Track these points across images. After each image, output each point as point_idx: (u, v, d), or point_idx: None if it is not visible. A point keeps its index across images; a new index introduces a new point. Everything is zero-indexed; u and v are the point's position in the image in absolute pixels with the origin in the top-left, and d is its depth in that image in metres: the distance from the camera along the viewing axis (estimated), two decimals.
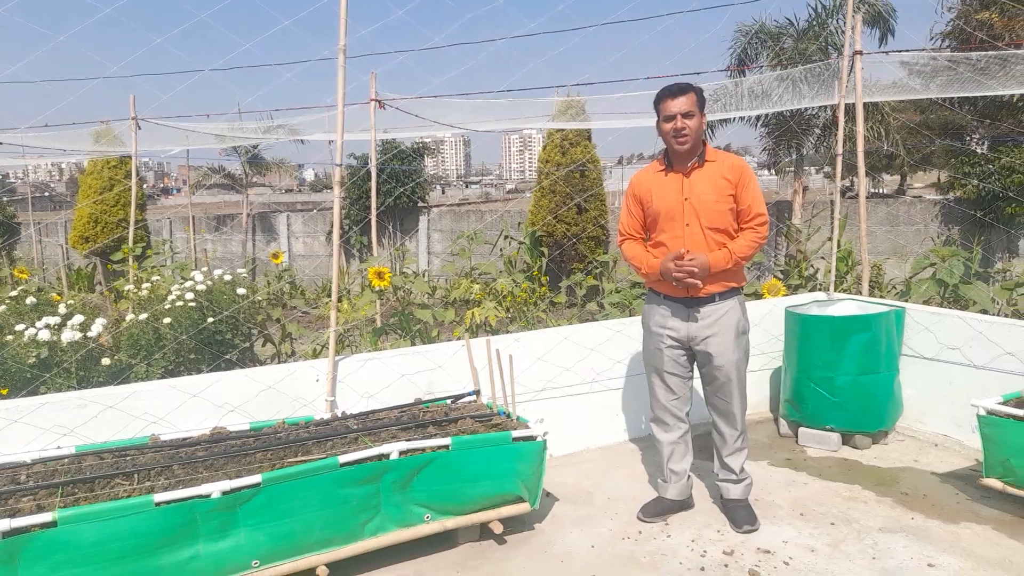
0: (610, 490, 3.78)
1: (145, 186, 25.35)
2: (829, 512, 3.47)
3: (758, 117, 12.84)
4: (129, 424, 3.30)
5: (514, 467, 3.17)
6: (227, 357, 4.80)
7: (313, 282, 15.69)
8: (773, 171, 16.54)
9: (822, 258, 10.30)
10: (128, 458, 2.99)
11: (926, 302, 5.65)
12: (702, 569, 2.98)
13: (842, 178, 5.59)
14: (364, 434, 3.23)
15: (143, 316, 4.73)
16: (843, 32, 10.38)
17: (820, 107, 11.70)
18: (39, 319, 4.31)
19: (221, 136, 11.17)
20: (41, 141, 10.93)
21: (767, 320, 4.80)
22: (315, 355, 5.73)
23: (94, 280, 14.89)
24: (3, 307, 5.10)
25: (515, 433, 3.19)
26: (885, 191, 28.16)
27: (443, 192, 46.43)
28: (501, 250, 12.91)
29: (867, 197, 7.80)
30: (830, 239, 5.82)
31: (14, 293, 5.58)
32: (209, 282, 5.18)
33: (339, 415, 3.54)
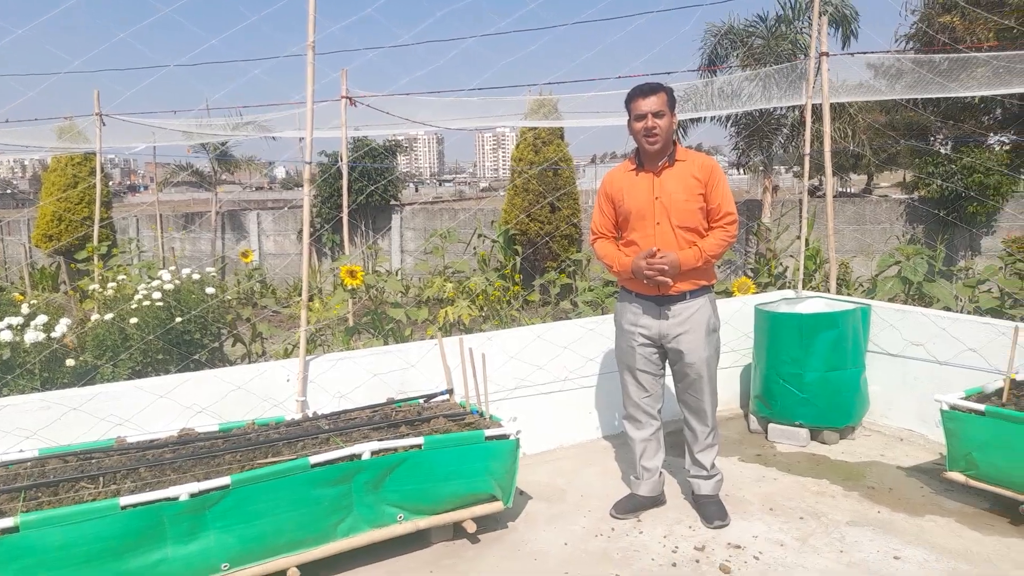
0: (583, 487, 3.79)
1: (111, 183, 24.83)
2: (798, 507, 3.52)
3: (728, 117, 12.95)
4: (94, 426, 3.24)
5: (487, 466, 3.17)
6: (196, 357, 4.73)
7: (284, 281, 15.52)
8: (743, 170, 16.70)
9: (791, 256, 10.46)
10: (93, 461, 2.93)
11: (891, 299, 5.75)
12: (674, 565, 3.01)
13: (810, 177, 5.66)
14: (336, 434, 3.21)
15: (109, 316, 4.64)
16: (808, 33, 10.53)
17: (789, 107, 11.84)
18: (1, 320, 4.20)
19: (189, 133, 10.98)
20: (2, 137, 10.65)
21: (737, 318, 4.85)
22: (286, 355, 5.67)
23: (58, 279, 14.57)
24: None
25: (488, 432, 3.19)
26: (852, 190, 28.59)
27: (416, 190, 46.20)
28: (475, 248, 12.87)
29: (834, 196, 7.93)
30: (799, 238, 5.90)
31: None
32: (177, 281, 5.10)
33: (310, 415, 3.50)
